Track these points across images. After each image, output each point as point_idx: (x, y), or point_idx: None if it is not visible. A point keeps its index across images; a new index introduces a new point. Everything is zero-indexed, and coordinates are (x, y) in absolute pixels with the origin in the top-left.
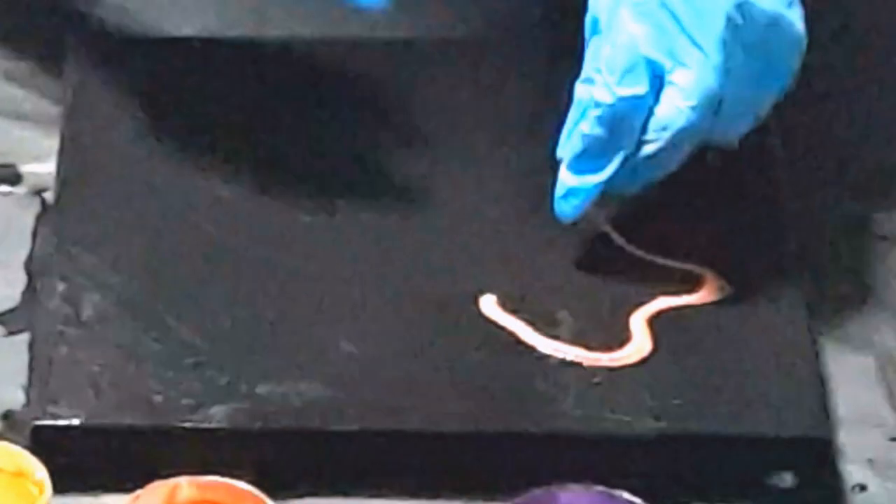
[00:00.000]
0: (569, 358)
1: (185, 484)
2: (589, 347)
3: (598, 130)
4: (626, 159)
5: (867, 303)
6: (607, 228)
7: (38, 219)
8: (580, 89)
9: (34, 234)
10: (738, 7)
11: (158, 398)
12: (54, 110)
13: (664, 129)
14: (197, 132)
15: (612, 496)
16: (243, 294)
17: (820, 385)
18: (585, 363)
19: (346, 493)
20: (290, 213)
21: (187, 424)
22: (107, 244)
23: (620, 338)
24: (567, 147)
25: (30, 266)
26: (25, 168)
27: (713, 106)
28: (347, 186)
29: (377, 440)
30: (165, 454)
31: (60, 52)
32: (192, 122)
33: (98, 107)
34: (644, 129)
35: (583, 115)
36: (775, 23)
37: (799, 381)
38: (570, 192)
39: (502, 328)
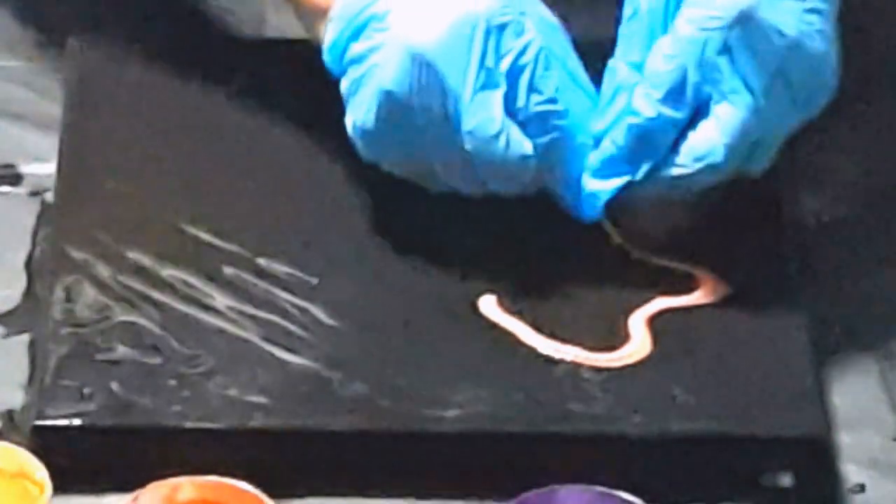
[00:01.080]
0: (569, 358)
1: (185, 484)
2: (589, 347)
3: (632, 139)
4: (651, 170)
5: (867, 303)
6: (607, 227)
7: (38, 219)
8: (623, 70)
9: (34, 234)
10: (790, 51)
11: (158, 398)
12: (54, 110)
13: (699, 159)
14: (198, 132)
15: (611, 496)
16: (242, 296)
17: (819, 385)
18: (585, 363)
19: (346, 493)
20: (289, 214)
21: (187, 424)
22: (106, 244)
23: (620, 338)
24: (595, 154)
25: (30, 266)
26: (25, 168)
27: (749, 144)
28: (346, 187)
29: (377, 440)
30: (165, 454)
31: (60, 52)
32: (192, 121)
33: (98, 107)
34: (674, 147)
35: (616, 95)
36: (817, 67)
37: (798, 381)
38: (592, 196)
39: (502, 328)
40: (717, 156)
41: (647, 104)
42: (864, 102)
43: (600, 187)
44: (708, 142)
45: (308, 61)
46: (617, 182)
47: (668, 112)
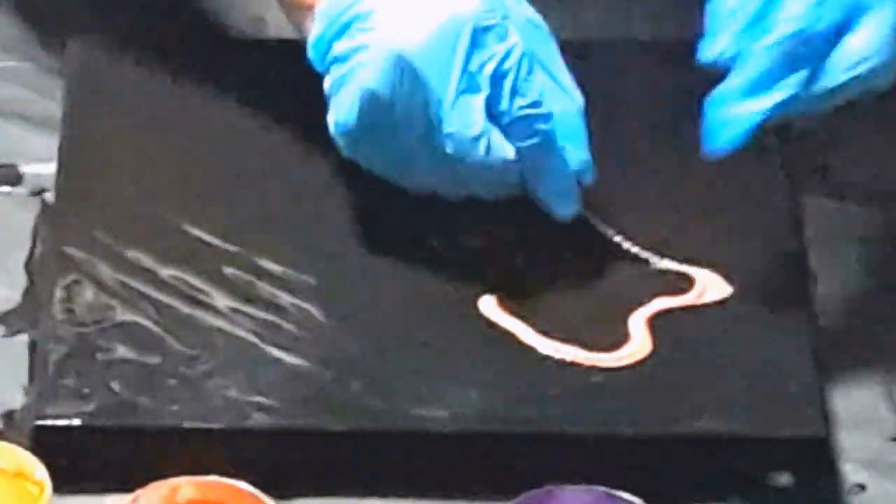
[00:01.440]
0: (569, 358)
1: (185, 484)
2: (589, 347)
3: (788, 47)
4: (801, 83)
5: (867, 303)
6: (603, 227)
7: (38, 219)
8: None
9: (34, 234)
10: None
11: (158, 399)
12: (54, 110)
13: (863, 61)
14: (197, 132)
15: (612, 496)
16: (242, 296)
17: (819, 385)
18: (585, 363)
19: (346, 494)
20: (289, 214)
21: (187, 424)
22: (106, 244)
23: (620, 338)
24: (742, 70)
25: (30, 266)
26: (25, 168)
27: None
28: (346, 187)
29: (376, 440)
30: (165, 454)
31: (60, 52)
32: (192, 121)
33: (98, 107)
34: (823, 59)
35: (733, 13)
36: None
37: (798, 381)
38: (734, 121)
39: (502, 328)
40: (884, 55)
41: (802, 6)
42: (865, 102)
43: (753, 108)
44: (873, 42)
45: (308, 61)
46: (764, 103)
47: (828, 13)
